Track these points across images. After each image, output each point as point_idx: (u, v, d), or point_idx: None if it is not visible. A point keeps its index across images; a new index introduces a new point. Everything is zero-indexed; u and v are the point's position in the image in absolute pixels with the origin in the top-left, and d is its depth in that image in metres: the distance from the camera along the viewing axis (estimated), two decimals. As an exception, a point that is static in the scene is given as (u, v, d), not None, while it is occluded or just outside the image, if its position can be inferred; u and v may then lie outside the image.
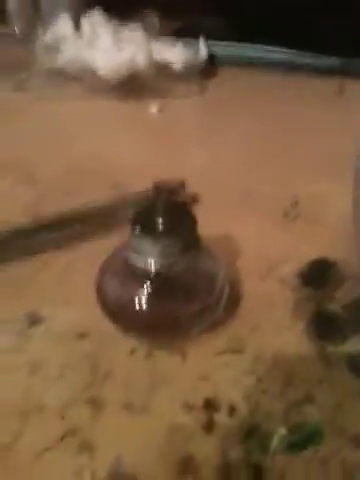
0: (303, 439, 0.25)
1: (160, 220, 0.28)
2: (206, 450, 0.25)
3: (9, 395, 0.27)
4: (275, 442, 0.25)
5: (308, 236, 0.38)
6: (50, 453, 0.25)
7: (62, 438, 0.25)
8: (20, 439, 0.25)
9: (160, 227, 0.28)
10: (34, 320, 0.31)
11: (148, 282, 0.29)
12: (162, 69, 0.59)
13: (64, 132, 0.53)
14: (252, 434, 0.25)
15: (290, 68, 0.64)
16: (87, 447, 0.25)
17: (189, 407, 0.27)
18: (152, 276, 0.29)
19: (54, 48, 0.61)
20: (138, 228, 0.28)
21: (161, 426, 0.26)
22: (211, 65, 0.64)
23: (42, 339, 0.30)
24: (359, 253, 0.30)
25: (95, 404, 0.27)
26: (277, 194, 0.43)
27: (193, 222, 0.29)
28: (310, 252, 0.36)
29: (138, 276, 0.29)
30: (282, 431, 0.25)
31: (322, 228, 0.39)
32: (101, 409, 0.27)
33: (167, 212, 0.29)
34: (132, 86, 0.58)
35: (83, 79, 0.58)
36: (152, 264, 0.28)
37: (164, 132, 0.53)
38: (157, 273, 0.28)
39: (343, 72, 0.62)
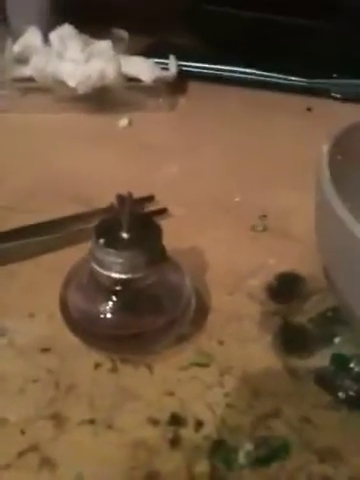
0: (269, 454, 0.25)
1: (124, 232, 0.28)
2: (172, 465, 0.24)
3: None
4: (241, 457, 0.25)
5: (276, 249, 0.38)
6: (9, 470, 0.24)
7: (22, 454, 0.24)
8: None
9: (124, 239, 0.28)
10: (-3, 332, 0.30)
11: (113, 295, 0.29)
12: (131, 83, 0.59)
13: (32, 144, 0.52)
14: (218, 449, 0.25)
15: (259, 86, 0.64)
16: (48, 464, 0.24)
17: (155, 422, 0.26)
18: (117, 289, 0.28)
19: (22, 59, 0.60)
20: (102, 240, 0.27)
21: (125, 441, 0.25)
22: (181, 81, 0.64)
23: (4, 352, 0.29)
24: (322, 260, 0.31)
25: (57, 419, 0.26)
26: (245, 207, 0.43)
27: (158, 234, 0.29)
28: (278, 266, 0.37)
29: (103, 289, 0.29)
30: (248, 446, 0.25)
31: (290, 241, 0.39)
32: (63, 425, 0.26)
33: (131, 224, 0.28)
34: (101, 99, 0.58)
35: (52, 90, 0.58)
36: (116, 277, 0.28)
37: (133, 146, 0.52)
38: (122, 286, 0.28)
39: (309, 91, 0.64)
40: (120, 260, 0.27)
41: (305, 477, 0.24)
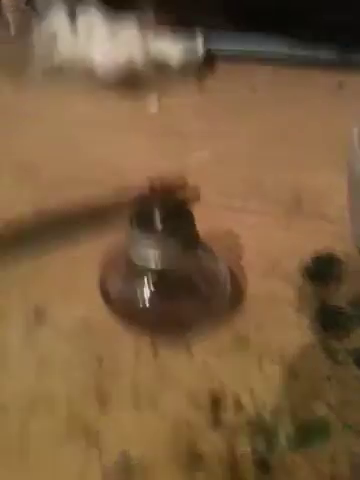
0: (310, 435, 0.25)
1: (158, 220, 0.28)
2: (213, 446, 0.25)
3: (18, 390, 0.28)
4: (281, 439, 0.25)
5: (311, 231, 0.38)
6: (58, 447, 0.25)
7: (70, 431, 0.25)
8: (29, 430, 0.26)
9: (158, 227, 0.28)
10: (40, 317, 0.31)
11: (150, 280, 0.29)
12: (160, 66, 0.59)
13: (64, 132, 0.53)
14: (258, 431, 0.26)
15: (288, 61, 0.63)
16: (94, 441, 0.25)
17: (196, 404, 0.27)
18: (153, 274, 0.29)
19: (50, 45, 0.60)
20: (137, 229, 0.28)
21: (168, 422, 0.26)
22: (209, 60, 0.64)
23: (48, 336, 0.30)
24: (354, 237, 0.30)
25: (103, 400, 0.27)
26: (279, 190, 0.43)
27: (191, 221, 0.29)
28: (313, 247, 0.36)
29: (140, 274, 0.29)
30: (288, 428, 0.26)
31: (325, 222, 0.39)
32: (108, 405, 0.27)
33: (165, 211, 0.28)
34: (130, 84, 0.58)
35: (81, 77, 0.58)
36: (152, 263, 0.28)
37: (164, 131, 0.52)
38: (158, 271, 0.29)
39: (342, 65, 0.62)
40: (155, 247, 0.27)
41: (346, 459, 0.24)
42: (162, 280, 0.29)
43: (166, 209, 0.28)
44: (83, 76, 0.58)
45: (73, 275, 0.34)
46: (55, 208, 0.39)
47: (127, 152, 0.49)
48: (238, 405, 0.27)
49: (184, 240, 0.28)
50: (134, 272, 0.29)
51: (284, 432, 0.25)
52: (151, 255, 0.27)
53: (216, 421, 0.26)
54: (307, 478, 0.24)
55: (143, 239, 0.27)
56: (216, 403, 0.27)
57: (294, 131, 0.52)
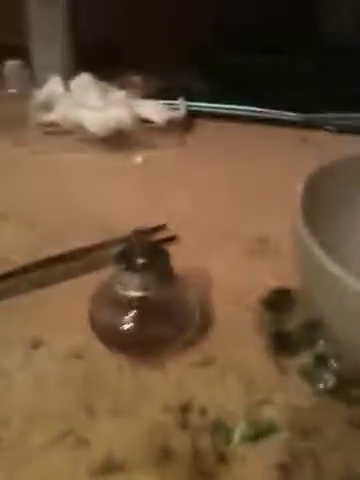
0: (259, 432, 0.31)
1: (139, 258, 0.35)
2: (182, 443, 0.30)
3: (18, 406, 0.33)
4: (236, 435, 0.31)
5: (271, 269, 0.44)
6: (50, 450, 0.30)
7: (63, 436, 0.31)
8: (28, 438, 0.31)
9: (139, 264, 0.34)
10: (37, 344, 0.37)
11: (132, 309, 0.35)
12: (145, 124, 0.67)
13: (58, 182, 0.60)
14: (218, 429, 0.31)
15: (258, 119, 0.72)
16: (84, 443, 0.30)
17: (168, 410, 0.32)
18: (135, 304, 0.35)
19: (47, 106, 0.68)
20: (122, 265, 0.34)
21: (145, 426, 0.31)
22: (189, 118, 0.72)
23: (44, 360, 0.36)
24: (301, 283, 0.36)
25: (90, 411, 0.32)
26: (247, 233, 0.49)
27: (166, 257, 0.35)
28: (272, 282, 0.43)
29: (123, 304, 0.35)
30: (242, 425, 0.31)
31: (283, 261, 0.45)
32: (95, 414, 0.32)
33: (144, 251, 0.35)
34: (118, 140, 0.66)
35: (74, 133, 0.66)
36: (135, 293, 0.34)
37: (148, 181, 0.60)
38: (139, 301, 0.35)
39: (305, 125, 0.70)
40: (138, 281, 0.34)
41: (289, 450, 0.30)
42: (141, 307, 0.35)
43: (145, 248, 0.34)
44: (76, 133, 0.66)
45: (67, 307, 0.40)
46: (51, 250, 0.45)
47: (114, 199, 0.56)
48: (203, 411, 0.32)
49: (160, 272, 0.34)
50: (118, 301, 0.35)
51: (239, 429, 0.31)
52: (133, 285, 0.33)
53: (184, 424, 0.32)
54: (256, 466, 0.29)
55: (126, 272, 0.33)
56: (185, 409, 0.33)
57: (263, 180, 0.60)
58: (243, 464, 0.29)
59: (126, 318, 0.35)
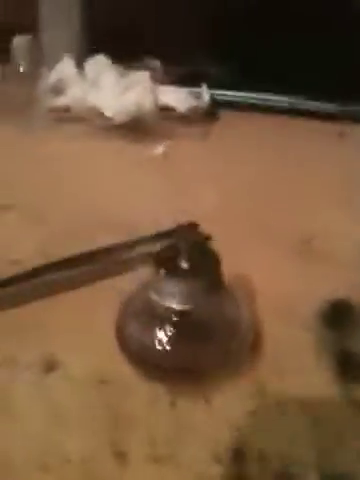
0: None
1: (183, 261, 0.28)
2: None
3: (27, 446, 0.26)
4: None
5: (323, 275, 0.38)
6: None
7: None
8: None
9: (183, 269, 0.27)
10: (50, 365, 0.30)
11: (170, 326, 0.28)
12: (166, 112, 0.60)
13: (70, 173, 0.53)
14: (284, 482, 0.24)
15: (290, 113, 0.65)
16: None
17: (218, 458, 0.25)
18: (175, 318, 0.28)
19: (57, 89, 0.61)
20: (162, 270, 0.27)
21: (190, 478, 0.25)
22: (213, 109, 0.65)
23: (59, 385, 0.29)
24: None
25: (120, 455, 0.25)
26: (290, 232, 0.43)
27: (217, 262, 0.28)
28: (328, 292, 0.36)
29: (160, 318, 0.28)
30: (315, 478, 0.24)
31: (337, 265, 0.39)
32: (126, 460, 0.25)
33: (190, 252, 0.28)
34: (136, 128, 0.59)
35: (88, 120, 0.59)
36: (175, 306, 0.27)
37: (171, 174, 0.53)
38: (180, 315, 0.28)
39: (342, 117, 0.64)
40: (180, 290, 0.27)
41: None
42: (183, 323, 0.28)
43: (191, 250, 0.27)
44: (90, 118, 0.59)
45: (87, 320, 0.33)
46: (63, 250, 0.38)
47: (134, 193, 0.49)
48: (262, 457, 0.25)
49: (209, 280, 0.27)
50: (154, 315, 0.28)
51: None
52: (174, 294, 0.27)
53: (240, 476, 0.25)
54: None
55: (167, 278, 0.27)
56: (239, 456, 0.26)
57: (298, 175, 0.53)
58: None
59: (163, 336, 0.28)
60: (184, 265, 0.27)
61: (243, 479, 0.25)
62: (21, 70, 0.63)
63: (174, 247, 0.28)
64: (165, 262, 0.28)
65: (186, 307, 0.27)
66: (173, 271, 0.27)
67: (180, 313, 0.28)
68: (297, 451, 0.26)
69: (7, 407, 0.28)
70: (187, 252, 0.28)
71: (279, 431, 0.27)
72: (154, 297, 0.28)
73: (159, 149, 0.57)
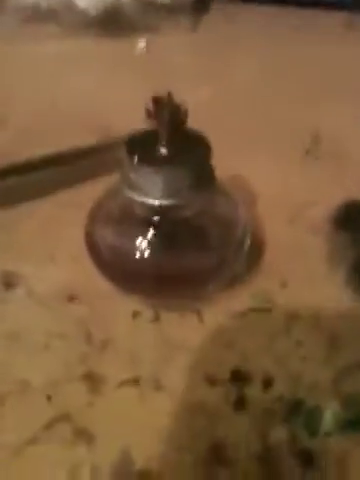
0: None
1: (162, 147, 0.22)
2: (238, 433, 0.19)
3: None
4: (327, 420, 0.19)
5: (335, 176, 0.32)
6: (36, 445, 0.19)
7: (50, 425, 0.19)
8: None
9: (163, 156, 0.22)
10: (12, 281, 0.25)
11: (150, 227, 0.23)
12: (148, 3, 0.52)
13: (42, 73, 0.46)
14: (296, 411, 0.20)
15: (291, 2, 0.57)
16: (84, 436, 0.19)
17: (212, 380, 0.21)
18: (155, 220, 0.23)
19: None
20: (135, 157, 0.21)
21: (178, 405, 0.20)
22: (201, 1, 0.57)
23: (22, 303, 0.24)
24: None
25: (92, 381, 0.21)
26: (294, 131, 0.37)
27: (207, 150, 0.23)
28: (339, 193, 0.31)
29: (138, 222, 0.23)
30: (334, 406, 0.20)
31: (348, 166, 0.33)
32: (100, 387, 0.21)
33: (173, 136, 0.22)
34: (114, 22, 0.51)
35: (60, 16, 0.51)
36: (154, 204, 0.22)
37: (155, 71, 0.46)
38: (161, 216, 0.22)
39: (350, 7, 0.56)
40: (158, 181, 0.21)
41: None
42: (165, 224, 0.22)
43: (174, 135, 0.21)
44: (61, 15, 0.51)
45: (53, 228, 0.28)
46: (29, 153, 0.32)
47: (112, 93, 0.42)
48: (267, 380, 0.21)
49: (196, 171, 0.21)
50: (129, 216, 0.23)
51: (329, 412, 0.20)
52: (153, 187, 0.21)
53: (239, 401, 0.20)
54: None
55: (144, 170, 0.21)
56: (238, 378, 0.21)
57: (300, 71, 0.46)
58: (340, 466, 0.18)
59: (142, 240, 0.23)
60: (164, 151, 0.22)
61: (243, 406, 0.20)
62: None
63: (152, 132, 0.22)
64: (140, 149, 0.22)
65: (168, 202, 0.22)
66: (150, 159, 0.21)
67: (161, 210, 0.22)
68: (310, 374, 0.21)
69: None
70: (167, 136, 0.22)
71: (286, 350, 0.22)
72: (128, 193, 0.22)
73: (140, 45, 0.50)
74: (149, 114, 0.22)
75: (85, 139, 0.34)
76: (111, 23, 0.51)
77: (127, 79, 0.44)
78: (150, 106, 0.22)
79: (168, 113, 0.21)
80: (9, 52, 0.49)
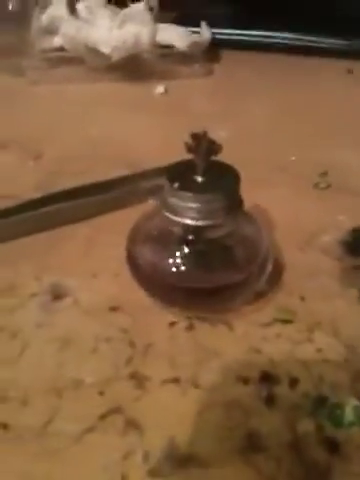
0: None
1: (199, 176, 0.25)
2: (271, 425, 0.22)
3: (39, 373, 0.24)
4: (349, 413, 0.22)
5: (343, 206, 0.36)
6: (93, 433, 0.21)
7: (104, 416, 0.22)
8: (55, 420, 0.22)
9: (199, 183, 0.25)
10: (60, 292, 0.28)
11: (185, 245, 0.26)
12: (165, 50, 0.57)
13: (69, 114, 0.50)
14: (321, 406, 0.22)
15: (297, 50, 0.62)
16: (134, 426, 0.22)
17: (244, 380, 0.24)
18: (189, 239, 0.26)
19: (51, 29, 0.58)
20: (175, 184, 0.25)
21: (217, 401, 0.23)
22: (215, 49, 0.62)
23: (70, 312, 0.27)
24: None
25: (138, 379, 0.23)
26: (304, 165, 0.40)
27: (236, 179, 0.26)
28: (348, 221, 0.34)
29: (175, 240, 0.26)
30: (354, 402, 0.22)
31: (354, 197, 0.37)
32: (145, 384, 0.23)
33: (207, 167, 0.25)
34: (135, 68, 0.56)
35: (84, 59, 0.55)
36: (190, 224, 0.25)
37: (173, 112, 0.50)
38: (195, 235, 0.25)
39: (350, 53, 0.61)
40: (195, 205, 0.24)
41: None
42: (198, 242, 0.26)
43: (208, 165, 0.25)
44: (86, 59, 0.55)
45: (93, 249, 0.31)
46: (63, 186, 0.35)
47: (134, 132, 0.46)
48: (293, 380, 0.24)
49: (226, 197, 0.25)
50: (167, 236, 0.26)
51: (350, 406, 0.22)
52: (189, 210, 0.24)
53: (270, 398, 0.23)
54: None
55: (181, 192, 0.24)
56: (267, 379, 0.24)
57: (308, 111, 0.50)
58: (361, 453, 0.21)
59: (177, 256, 0.26)
60: (200, 180, 0.25)
61: (273, 402, 0.23)
62: (10, 8, 0.59)
63: (186, 162, 0.26)
64: (179, 177, 0.25)
65: (202, 223, 0.25)
66: (188, 186, 0.25)
67: (196, 230, 0.25)
68: (330, 375, 0.24)
69: (16, 335, 0.26)
70: (203, 166, 0.25)
71: (309, 355, 0.25)
72: (167, 214, 0.25)
73: (159, 88, 0.54)
74: (189, 148, 0.25)
75: (116, 171, 0.37)
76: (132, 68, 0.55)
77: (149, 119, 0.48)
78: (189, 141, 0.25)
79: (205, 147, 0.25)
80: (39, 93, 0.53)
